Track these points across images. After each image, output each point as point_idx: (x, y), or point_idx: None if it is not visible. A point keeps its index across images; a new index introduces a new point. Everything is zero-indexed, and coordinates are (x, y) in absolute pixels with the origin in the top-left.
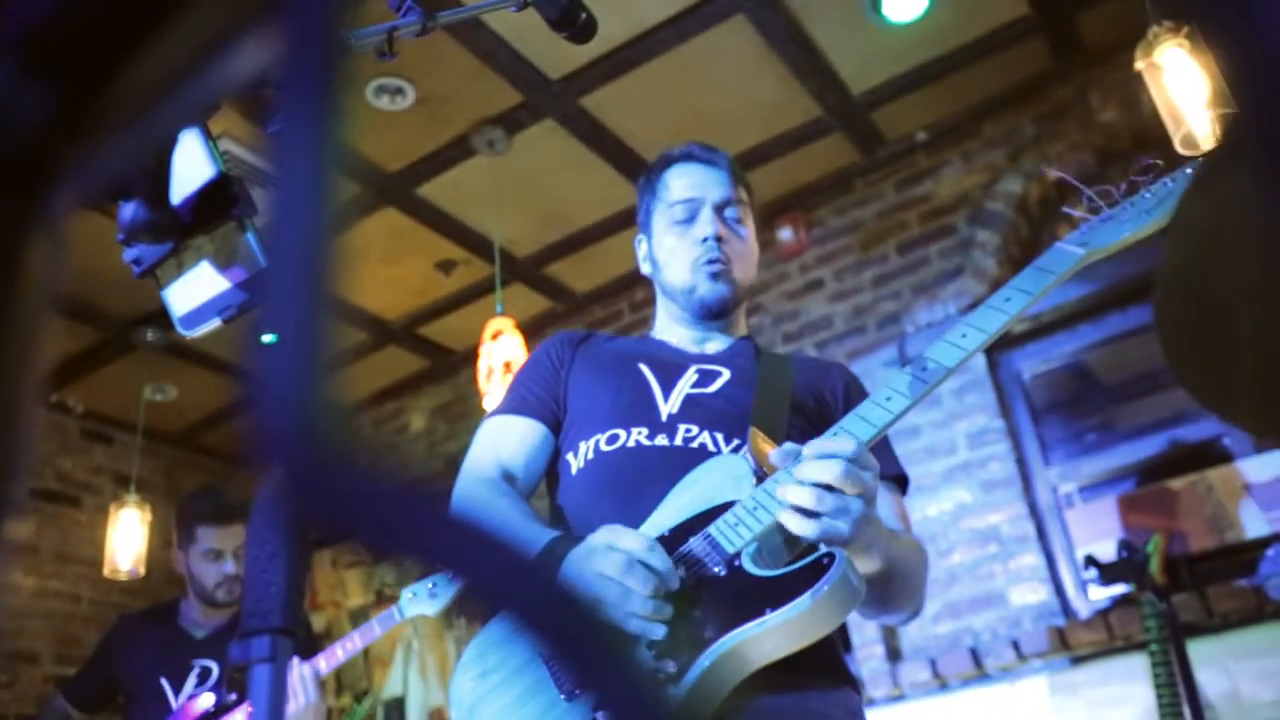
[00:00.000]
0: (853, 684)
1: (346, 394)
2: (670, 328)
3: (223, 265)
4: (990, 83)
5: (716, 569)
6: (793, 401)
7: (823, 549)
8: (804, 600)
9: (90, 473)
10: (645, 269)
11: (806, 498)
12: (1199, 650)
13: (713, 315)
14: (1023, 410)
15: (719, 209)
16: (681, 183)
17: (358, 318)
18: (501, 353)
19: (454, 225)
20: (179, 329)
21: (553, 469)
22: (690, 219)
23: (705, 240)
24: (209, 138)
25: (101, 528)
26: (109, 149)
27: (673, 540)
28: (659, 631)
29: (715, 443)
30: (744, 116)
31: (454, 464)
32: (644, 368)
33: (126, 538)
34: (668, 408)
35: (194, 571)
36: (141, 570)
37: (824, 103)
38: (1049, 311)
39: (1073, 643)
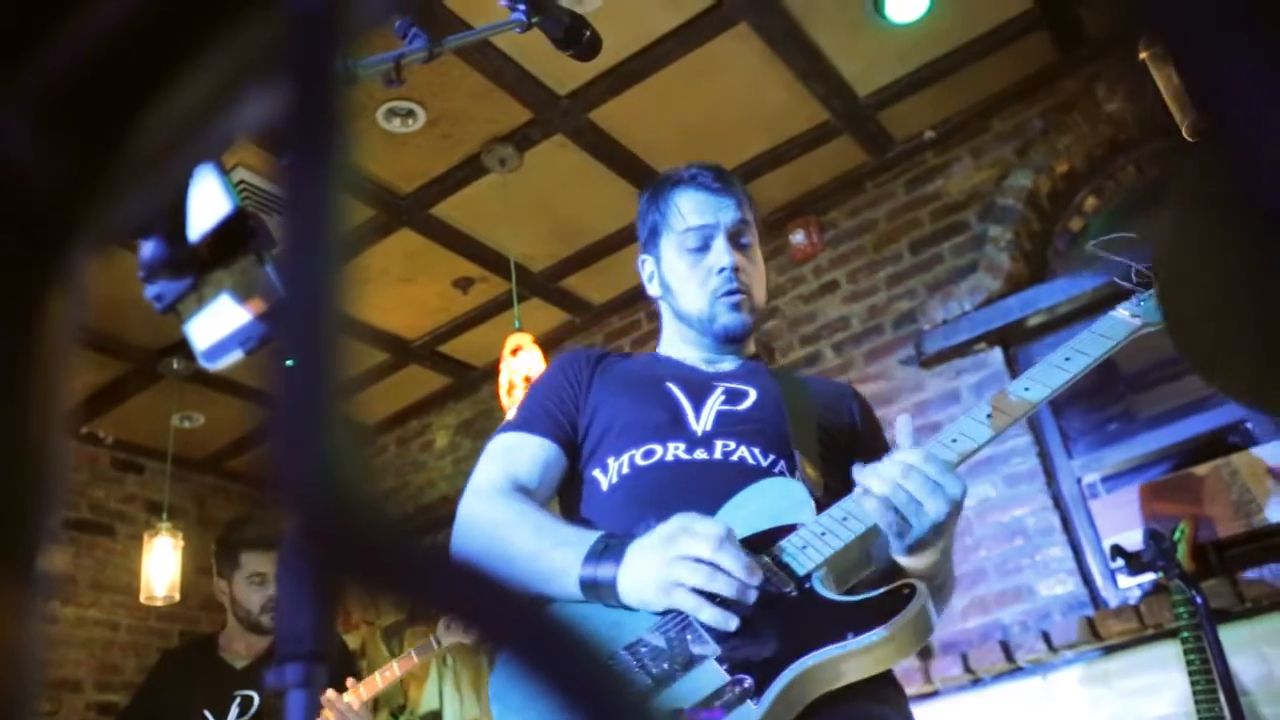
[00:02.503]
0: (902, 692)
1: (363, 423)
2: (681, 348)
3: (243, 297)
4: (996, 79)
5: (787, 589)
6: (817, 422)
7: (901, 580)
8: (887, 627)
9: (123, 502)
10: (653, 290)
11: (899, 474)
12: (1231, 636)
13: (733, 341)
14: None
15: (732, 236)
16: (692, 208)
17: (379, 338)
18: (522, 367)
19: (469, 243)
20: (202, 362)
21: (574, 487)
22: (704, 247)
23: (723, 271)
24: (223, 172)
25: (136, 556)
26: (127, 200)
27: None
28: (733, 623)
29: (754, 457)
30: (752, 123)
31: None
32: (672, 386)
33: (161, 565)
34: (700, 425)
35: (238, 598)
36: (177, 596)
37: (830, 106)
38: (1065, 303)
39: (1104, 633)
